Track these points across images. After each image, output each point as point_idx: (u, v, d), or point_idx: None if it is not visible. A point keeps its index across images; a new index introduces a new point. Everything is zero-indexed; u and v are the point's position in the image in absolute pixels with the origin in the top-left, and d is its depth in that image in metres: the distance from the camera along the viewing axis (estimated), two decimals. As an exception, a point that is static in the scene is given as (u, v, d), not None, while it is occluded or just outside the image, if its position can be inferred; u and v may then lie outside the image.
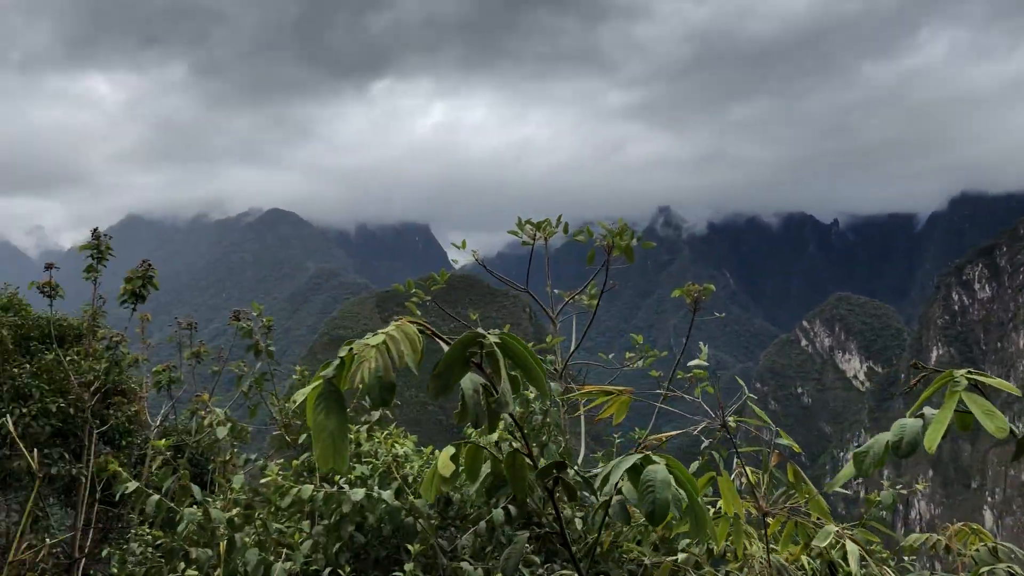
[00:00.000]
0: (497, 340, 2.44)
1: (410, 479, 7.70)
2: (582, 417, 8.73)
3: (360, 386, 2.27)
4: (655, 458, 2.68)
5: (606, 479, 2.70)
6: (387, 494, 7.01)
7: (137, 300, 13.07)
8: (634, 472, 2.69)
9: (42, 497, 13.01)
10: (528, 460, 2.75)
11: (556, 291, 9.51)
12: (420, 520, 7.12)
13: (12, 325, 14.18)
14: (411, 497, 7.30)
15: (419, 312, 8.79)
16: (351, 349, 2.41)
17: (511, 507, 7.08)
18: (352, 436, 8.44)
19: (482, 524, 7.14)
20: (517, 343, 2.50)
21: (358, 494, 6.84)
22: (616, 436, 8.83)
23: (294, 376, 9.63)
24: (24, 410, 13.26)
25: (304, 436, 8.66)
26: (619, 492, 2.85)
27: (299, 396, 2.46)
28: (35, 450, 10.43)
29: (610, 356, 9.62)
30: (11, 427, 7.00)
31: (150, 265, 12.99)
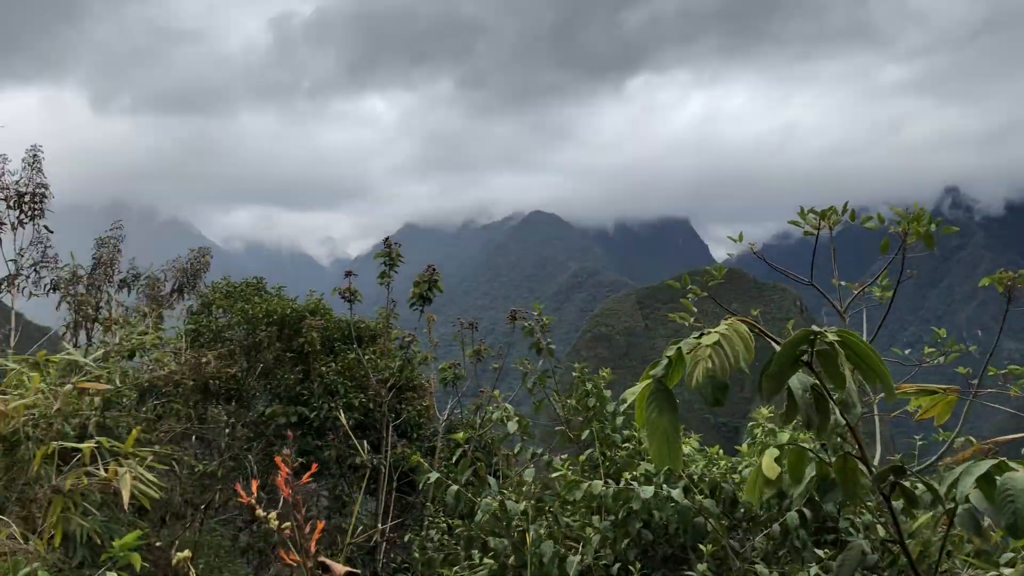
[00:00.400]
0: (837, 338, 2.32)
1: (695, 478, 7.60)
2: (876, 417, 8.18)
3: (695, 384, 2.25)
4: (1012, 464, 2.43)
5: (954, 486, 2.48)
6: (676, 492, 6.96)
7: (424, 302, 14.09)
8: (986, 480, 2.45)
9: (348, 484, 14.32)
10: (861, 464, 2.59)
11: (843, 283, 8.94)
12: (711, 520, 7.00)
13: (319, 328, 15.72)
14: (699, 496, 7.20)
15: (695, 309, 8.65)
16: (679, 348, 2.40)
17: (806, 511, 6.78)
18: (636, 434, 8.49)
19: (775, 527, 6.89)
20: (858, 341, 2.36)
21: (647, 491, 6.85)
22: (917, 438, 8.18)
23: (574, 374, 9.82)
24: (331, 405, 14.66)
25: (587, 433, 8.81)
26: (966, 501, 2.61)
27: (628, 395, 2.48)
28: (364, 442, 11.45)
29: (906, 351, 8.90)
30: (344, 421, 7.75)
31: (435, 270, 13.90)
